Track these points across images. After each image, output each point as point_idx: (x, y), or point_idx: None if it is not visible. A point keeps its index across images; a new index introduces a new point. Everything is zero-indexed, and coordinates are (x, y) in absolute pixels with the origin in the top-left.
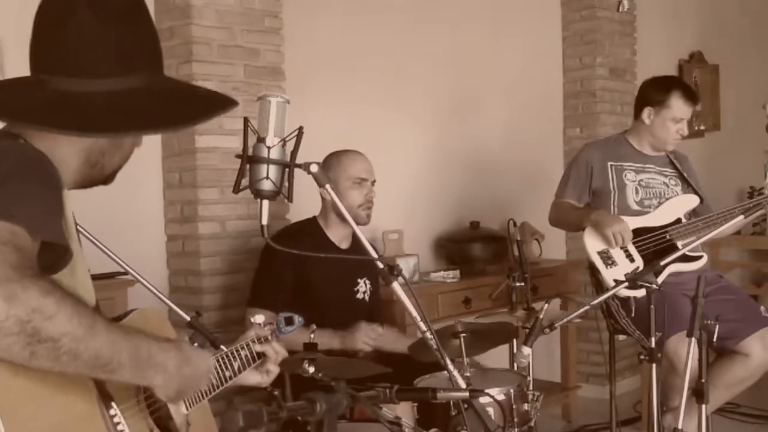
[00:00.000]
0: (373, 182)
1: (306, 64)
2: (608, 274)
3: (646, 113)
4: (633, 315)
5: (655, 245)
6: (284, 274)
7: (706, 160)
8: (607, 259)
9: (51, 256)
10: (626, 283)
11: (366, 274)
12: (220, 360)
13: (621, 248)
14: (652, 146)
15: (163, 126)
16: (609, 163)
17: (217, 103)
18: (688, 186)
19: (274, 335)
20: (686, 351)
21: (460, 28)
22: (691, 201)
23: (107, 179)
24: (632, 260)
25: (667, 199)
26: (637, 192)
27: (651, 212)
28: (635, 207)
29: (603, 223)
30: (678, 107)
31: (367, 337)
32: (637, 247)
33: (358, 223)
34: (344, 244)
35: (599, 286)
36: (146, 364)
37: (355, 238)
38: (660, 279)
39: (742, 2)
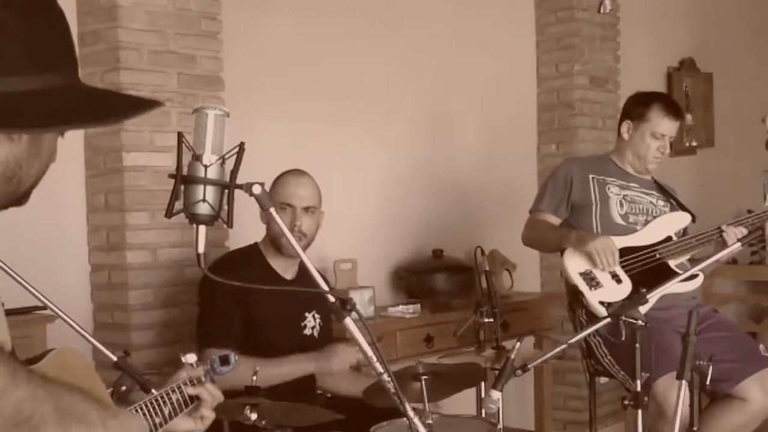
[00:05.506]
0: (308, 209)
1: (248, 72)
2: (593, 297)
3: (625, 127)
4: (624, 339)
5: (643, 265)
6: (233, 307)
7: (698, 180)
8: (591, 281)
9: None
10: (607, 320)
11: (315, 308)
12: (149, 405)
13: None
14: (632, 166)
15: (92, 119)
16: (591, 176)
17: (144, 101)
18: (678, 210)
19: (208, 376)
20: (676, 395)
21: (422, 32)
22: (683, 219)
23: (23, 197)
24: (619, 281)
25: (654, 217)
26: (621, 205)
27: (638, 230)
28: (619, 221)
29: (585, 240)
30: (657, 121)
31: (346, 361)
32: (624, 268)
33: (282, 255)
34: (289, 275)
35: (578, 320)
36: (70, 417)
37: (302, 268)
38: (650, 303)
39: (739, 4)
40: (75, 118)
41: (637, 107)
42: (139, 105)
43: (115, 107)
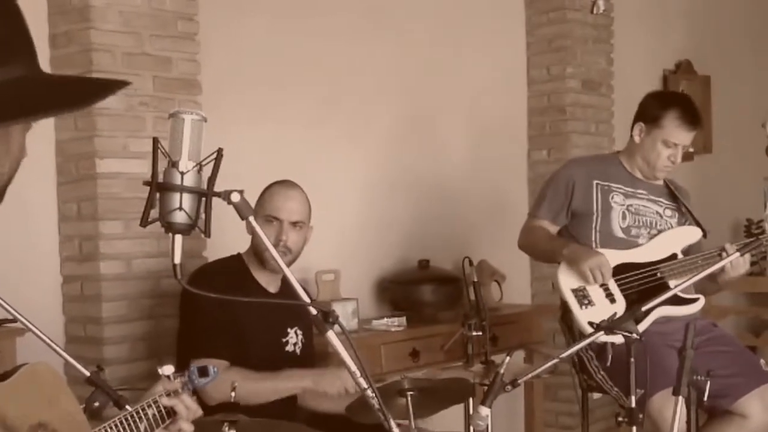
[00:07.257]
0: (295, 223)
1: (226, 75)
2: (582, 316)
3: (637, 130)
4: (609, 364)
5: (642, 284)
6: (222, 316)
7: (695, 188)
8: (583, 299)
9: None
10: (601, 333)
11: (297, 323)
12: (123, 422)
13: (600, 286)
14: (641, 171)
15: (59, 106)
16: (595, 182)
17: (110, 82)
18: (687, 221)
19: (186, 388)
20: (672, 412)
21: (407, 33)
22: (692, 234)
23: None
24: (613, 300)
25: (659, 231)
26: (624, 217)
27: (640, 244)
28: (620, 234)
29: (577, 258)
30: (671, 129)
31: (347, 387)
32: (620, 286)
33: (265, 269)
34: (273, 288)
35: (571, 333)
36: None
37: (286, 282)
38: (645, 324)
39: (737, 4)
40: (42, 107)
41: (653, 110)
42: (106, 87)
43: (81, 92)
